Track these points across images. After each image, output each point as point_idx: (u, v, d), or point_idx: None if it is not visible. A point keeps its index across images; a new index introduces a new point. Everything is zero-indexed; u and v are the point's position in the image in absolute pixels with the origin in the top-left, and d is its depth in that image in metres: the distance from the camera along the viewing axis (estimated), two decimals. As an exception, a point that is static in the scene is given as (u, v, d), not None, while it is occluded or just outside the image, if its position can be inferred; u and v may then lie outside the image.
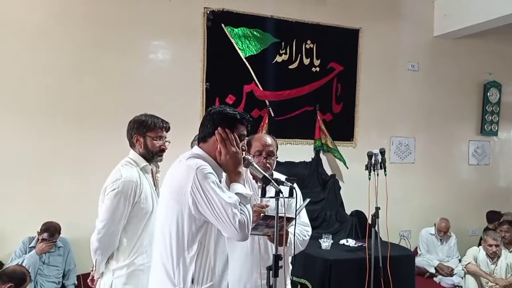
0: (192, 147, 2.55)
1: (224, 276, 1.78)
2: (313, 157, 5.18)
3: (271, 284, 1.72)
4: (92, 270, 2.34)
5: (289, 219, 1.99)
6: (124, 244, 2.21)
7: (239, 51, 4.84)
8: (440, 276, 5.12)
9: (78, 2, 4.31)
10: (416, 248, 5.42)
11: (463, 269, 4.32)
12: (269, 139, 2.34)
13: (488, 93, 6.10)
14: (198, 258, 1.67)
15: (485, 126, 6.12)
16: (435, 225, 5.40)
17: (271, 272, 1.73)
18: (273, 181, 1.80)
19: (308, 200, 2.18)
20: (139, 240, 2.21)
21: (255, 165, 1.85)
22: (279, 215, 1.80)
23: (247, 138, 1.91)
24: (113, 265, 2.22)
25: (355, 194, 4.57)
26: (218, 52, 4.76)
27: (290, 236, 2.13)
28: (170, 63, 4.68)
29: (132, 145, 2.34)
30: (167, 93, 4.48)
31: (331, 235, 3.99)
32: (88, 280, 2.42)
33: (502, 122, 6.25)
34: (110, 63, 4.39)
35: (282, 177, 2.06)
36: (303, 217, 2.44)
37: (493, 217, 5.43)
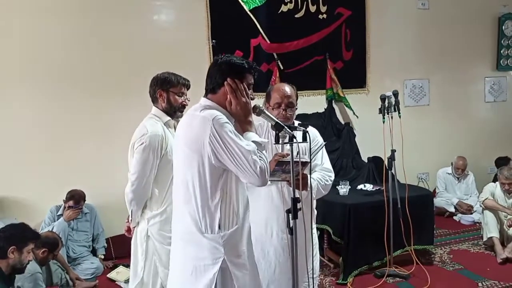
0: None
1: (246, 218, 1.84)
2: (326, 107, 5.15)
3: (291, 226, 1.77)
4: (128, 221, 2.47)
5: (305, 163, 2.01)
6: (156, 194, 2.36)
7: (242, 4, 4.73)
8: (460, 215, 5.19)
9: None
10: (435, 189, 5.46)
11: (480, 205, 4.35)
12: (288, 90, 2.33)
13: (503, 26, 5.88)
14: (222, 205, 1.72)
15: (501, 61, 5.95)
16: (452, 164, 5.40)
17: (290, 214, 1.78)
18: (286, 127, 1.81)
19: (323, 144, 2.19)
20: (169, 189, 2.31)
21: (266, 112, 1.85)
22: (296, 160, 1.83)
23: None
24: (148, 214, 2.37)
25: (371, 140, 4.56)
26: (221, 8, 4.66)
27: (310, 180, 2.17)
28: (175, 23, 4.62)
29: (155, 100, 2.44)
30: (174, 54, 4.44)
31: (348, 182, 4.02)
32: (125, 231, 2.56)
33: (519, 55, 6.06)
34: (116, 28, 4.36)
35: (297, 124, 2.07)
36: (326, 163, 2.48)
37: (501, 162, 5.41)
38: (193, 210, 1.72)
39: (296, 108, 2.38)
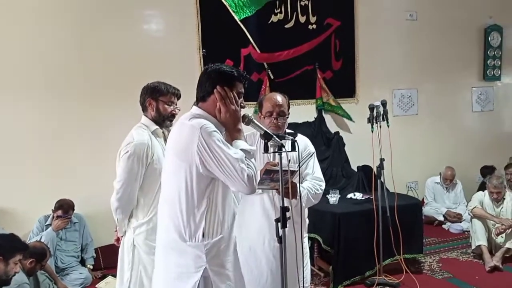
0: None
1: (232, 228, 1.84)
2: (316, 116, 5.18)
3: (280, 235, 1.78)
4: (116, 231, 2.46)
5: (293, 172, 2.03)
6: (142, 202, 2.35)
7: (233, 14, 4.77)
8: (448, 223, 5.23)
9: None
10: (424, 198, 5.50)
11: (469, 214, 4.39)
12: (280, 99, 2.35)
13: (489, 38, 6.00)
14: (207, 214, 1.72)
15: (488, 72, 6.06)
16: (440, 174, 5.46)
17: (279, 223, 1.79)
18: (274, 136, 1.82)
19: (313, 153, 2.20)
20: (156, 199, 2.30)
21: (255, 122, 1.87)
22: (284, 168, 1.84)
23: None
24: (134, 223, 2.37)
25: (361, 149, 4.60)
26: (212, 17, 4.70)
27: (300, 189, 2.18)
28: (165, 32, 4.64)
29: (145, 109, 2.45)
30: (165, 63, 4.47)
31: (338, 191, 4.03)
32: (114, 240, 2.55)
33: (505, 66, 6.17)
34: (107, 37, 4.38)
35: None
36: (317, 172, 2.49)
37: (486, 171, 5.51)
38: (178, 218, 1.73)
39: (288, 117, 2.40)
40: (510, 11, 6.16)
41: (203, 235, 1.72)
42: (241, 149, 1.70)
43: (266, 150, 1.85)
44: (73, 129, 4.28)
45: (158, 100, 2.41)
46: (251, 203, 2.33)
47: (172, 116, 2.45)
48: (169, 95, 2.42)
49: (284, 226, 1.77)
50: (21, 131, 4.15)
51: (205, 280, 1.74)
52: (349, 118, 5.14)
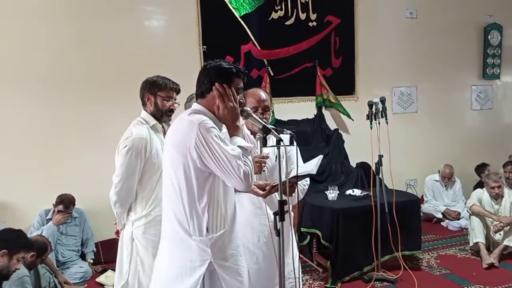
0: (186, 108, 2.62)
1: (234, 222, 1.87)
2: (315, 113, 5.21)
3: (278, 228, 1.81)
4: (115, 223, 2.49)
5: (303, 176, 2.06)
6: (140, 196, 2.37)
7: (233, 10, 4.79)
8: (447, 221, 5.27)
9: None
10: (423, 196, 5.52)
11: (467, 211, 4.42)
12: (263, 94, 2.36)
13: (489, 36, 6.01)
14: (210, 208, 1.74)
15: (487, 70, 6.07)
16: (439, 172, 5.48)
17: (277, 217, 1.81)
18: (273, 130, 1.84)
19: (321, 156, 2.20)
20: (154, 193, 2.34)
21: (254, 116, 1.88)
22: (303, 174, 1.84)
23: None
24: (132, 216, 2.39)
25: (360, 146, 4.63)
26: (212, 14, 4.71)
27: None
28: (166, 29, 4.66)
29: (144, 104, 2.47)
30: (165, 59, 4.47)
31: (337, 187, 4.06)
32: (115, 234, 2.58)
33: (504, 64, 6.18)
34: (107, 32, 4.39)
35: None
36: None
37: (480, 169, 5.56)
38: (181, 212, 1.74)
39: (273, 110, 2.40)
40: (510, 10, 6.16)
41: (207, 230, 1.74)
42: (238, 146, 1.71)
43: (264, 144, 1.87)
44: (74, 124, 4.30)
45: (156, 95, 2.42)
46: (239, 199, 2.25)
47: (170, 111, 2.46)
48: (168, 90, 2.43)
49: (282, 219, 1.80)
50: (22, 126, 4.17)
51: (211, 274, 1.76)
52: (349, 116, 5.15)
